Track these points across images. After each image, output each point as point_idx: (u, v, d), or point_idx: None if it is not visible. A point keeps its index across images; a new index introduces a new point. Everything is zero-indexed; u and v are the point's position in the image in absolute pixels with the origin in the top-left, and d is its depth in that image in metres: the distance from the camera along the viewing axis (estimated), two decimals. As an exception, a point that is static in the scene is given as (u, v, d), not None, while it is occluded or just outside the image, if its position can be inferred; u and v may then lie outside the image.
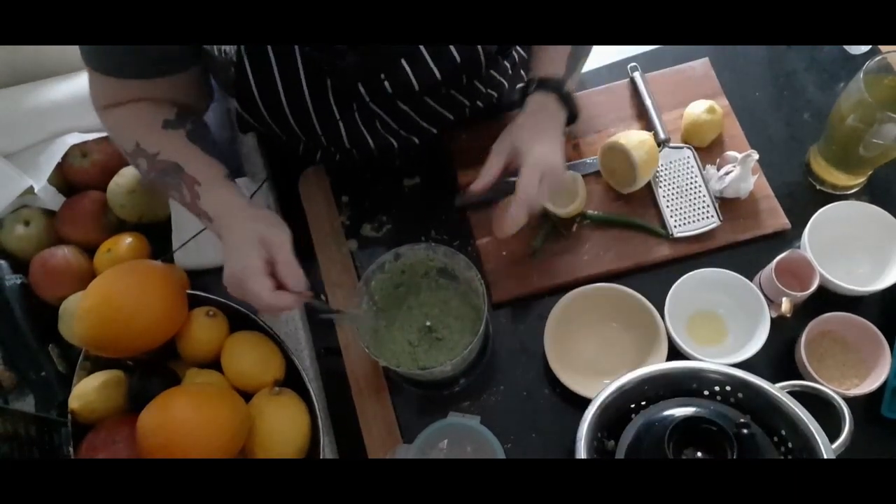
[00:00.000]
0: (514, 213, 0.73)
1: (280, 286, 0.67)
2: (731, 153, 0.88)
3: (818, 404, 0.66)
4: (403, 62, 0.75)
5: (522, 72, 1.06)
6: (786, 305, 0.76)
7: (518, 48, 1.02)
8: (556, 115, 0.78)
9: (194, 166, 0.73)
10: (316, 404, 0.73)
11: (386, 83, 0.77)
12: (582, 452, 0.63)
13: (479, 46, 0.78)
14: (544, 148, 0.75)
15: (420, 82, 0.78)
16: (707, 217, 0.86)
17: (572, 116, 0.80)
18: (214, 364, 0.76)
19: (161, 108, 0.76)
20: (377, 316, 0.79)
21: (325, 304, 0.72)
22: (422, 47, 0.75)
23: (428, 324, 0.79)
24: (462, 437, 0.77)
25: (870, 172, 0.87)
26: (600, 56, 1.01)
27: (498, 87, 0.97)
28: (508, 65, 0.97)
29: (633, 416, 0.68)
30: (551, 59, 0.80)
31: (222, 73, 0.76)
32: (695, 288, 0.81)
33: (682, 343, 0.77)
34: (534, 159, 0.73)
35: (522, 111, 0.78)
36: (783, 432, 0.63)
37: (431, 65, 0.76)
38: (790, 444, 0.63)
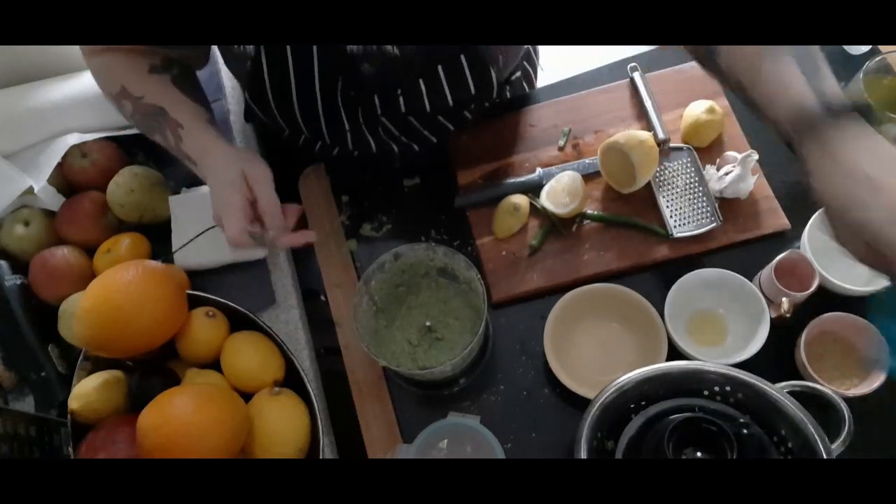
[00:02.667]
0: None
1: (259, 220, 0.71)
2: (730, 153, 0.88)
3: (818, 404, 0.66)
4: (421, 83, 0.76)
5: (525, 84, 1.06)
6: (785, 305, 0.76)
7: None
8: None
9: (177, 110, 0.75)
10: (316, 404, 0.73)
11: (401, 100, 0.79)
12: (582, 452, 0.63)
13: (493, 78, 0.79)
14: None
15: (432, 105, 0.79)
16: (707, 217, 0.86)
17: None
18: (214, 364, 0.76)
19: (149, 55, 0.77)
20: (377, 316, 0.80)
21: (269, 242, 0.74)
22: (441, 72, 0.76)
23: (428, 324, 0.79)
24: (462, 437, 0.77)
25: (870, 172, 0.87)
26: (600, 56, 1.01)
27: (502, 95, 0.97)
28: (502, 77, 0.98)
29: (633, 416, 0.68)
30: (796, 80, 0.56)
31: (237, 64, 0.77)
32: (695, 288, 0.81)
33: (682, 343, 0.77)
34: None
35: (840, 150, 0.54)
36: (783, 432, 0.63)
37: (447, 91, 0.78)
38: (790, 444, 0.63)
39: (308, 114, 0.80)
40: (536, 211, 0.89)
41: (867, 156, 0.52)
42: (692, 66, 0.97)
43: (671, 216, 0.87)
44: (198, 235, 0.82)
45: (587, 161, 0.92)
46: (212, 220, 0.73)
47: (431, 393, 0.83)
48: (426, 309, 0.81)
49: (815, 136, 0.55)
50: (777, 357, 0.80)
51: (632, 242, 0.87)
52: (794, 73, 0.57)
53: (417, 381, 0.82)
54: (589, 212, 0.88)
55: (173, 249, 0.84)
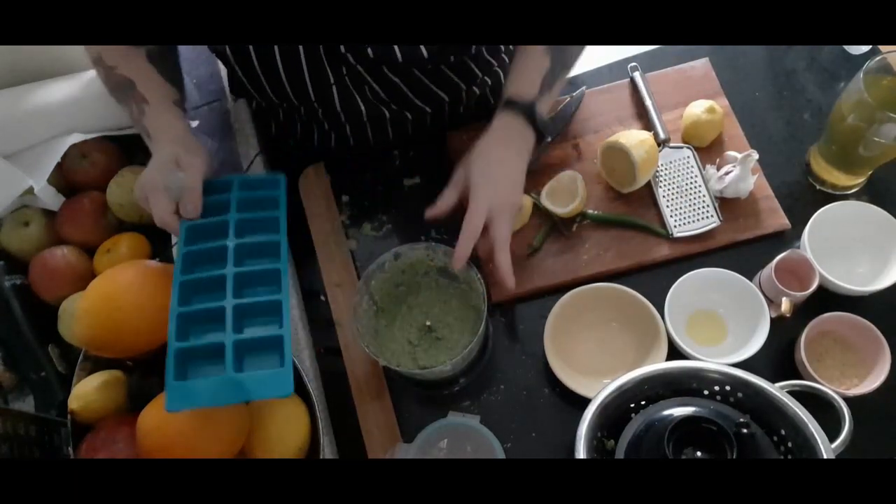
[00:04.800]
0: (459, 250, 0.71)
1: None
2: (731, 153, 0.88)
3: (818, 404, 0.66)
4: None
5: None
6: (785, 305, 0.76)
7: None
8: (522, 136, 0.77)
9: (146, 85, 0.75)
10: (316, 404, 0.73)
11: (368, 49, 0.78)
12: (582, 452, 0.63)
13: None
14: (496, 184, 0.73)
15: (404, 55, 0.78)
16: (707, 217, 0.86)
17: (540, 138, 0.79)
18: (214, 364, 0.75)
19: None
20: (377, 315, 0.80)
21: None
22: None
23: (428, 323, 0.79)
24: (462, 436, 0.77)
25: (870, 172, 0.87)
26: (600, 56, 1.01)
27: (494, 75, 0.96)
28: (507, 58, 0.97)
29: (632, 415, 0.68)
30: (526, 78, 0.77)
31: None
32: (695, 288, 0.81)
33: (682, 343, 0.77)
34: (480, 198, 0.72)
35: (487, 131, 0.77)
36: (783, 432, 0.64)
37: None
38: (790, 444, 0.63)
39: (293, 76, 0.80)
40: (537, 211, 0.89)
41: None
42: (692, 66, 0.98)
43: (671, 216, 0.87)
44: None
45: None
46: (135, 187, 0.71)
47: (432, 393, 0.83)
48: (426, 308, 0.81)
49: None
50: (777, 357, 0.80)
51: (632, 242, 0.87)
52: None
53: (418, 381, 0.82)
54: (589, 212, 0.88)
55: (173, 244, 0.84)
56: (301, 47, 0.77)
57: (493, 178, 0.73)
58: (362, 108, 0.87)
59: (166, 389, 0.60)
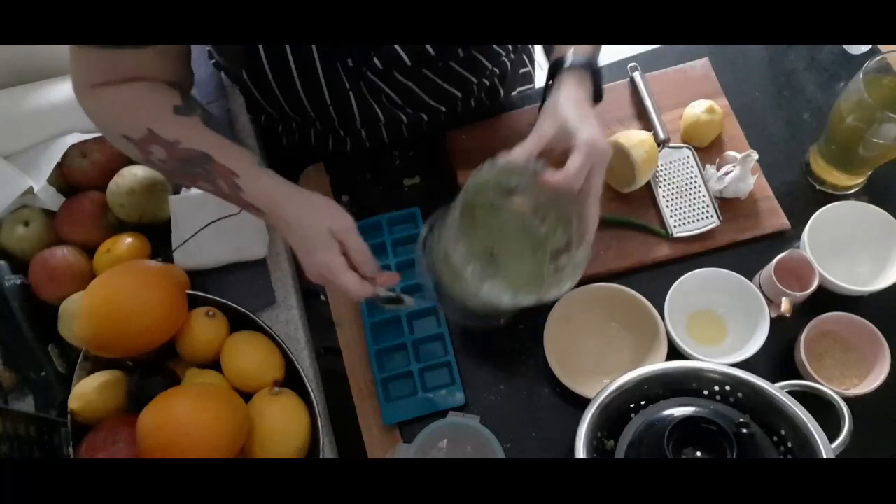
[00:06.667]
0: (565, 179, 0.65)
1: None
2: (730, 153, 0.88)
3: (818, 404, 0.66)
4: None
5: (525, 56, 1.06)
6: (785, 305, 0.76)
7: None
8: (590, 93, 0.74)
9: (224, 155, 0.69)
10: (316, 404, 0.73)
11: (375, 60, 0.77)
12: (581, 452, 0.63)
13: None
14: (594, 130, 0.66)
15: (411, 58, 0.78)
16: (707, 217, 0.86)
17: (598, 96, 0.76)
18: (214, 364, 0.76)
19: (166, 93, 0.72)
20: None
21: (394, 294, 0.73)
22: None
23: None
24: (462, 436, 0.77)
25: (869, 172, 0.87)
26: (600, 56, 1.01)
27: (502, 65, 0.96)
28: (510, 47, 0.98)
29: (632, 415, 0.68)
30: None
31: (230, 48, 0.76)
32: (694, 288, 0.81)
33: (682, 343, 0.77)
34: (586, 143, 0.65)
35: (559, 87, 0.71)
36: (783, 432, 0.64)
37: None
38: (790, 444, 0.63)
39: (310, 90, 0.79)
40: (536, 211, 0.89)
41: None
42: (692, 66, 0.97)
43: (671, 216, 0.87)
44: (197, 232, 0.81)
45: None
46: (306, 273, 0.70)
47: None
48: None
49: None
50: (777, 357, 0.80)
51: (632, 242, 0.87)
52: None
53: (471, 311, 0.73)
54: (589, 212, 0.88)
55: (173, 248, 0.84)
56: (318, 62, 0.76)
57: (594, 125, 0.67)
58: (380, 115, 0.87)
59: (382, 409, 0.81)
